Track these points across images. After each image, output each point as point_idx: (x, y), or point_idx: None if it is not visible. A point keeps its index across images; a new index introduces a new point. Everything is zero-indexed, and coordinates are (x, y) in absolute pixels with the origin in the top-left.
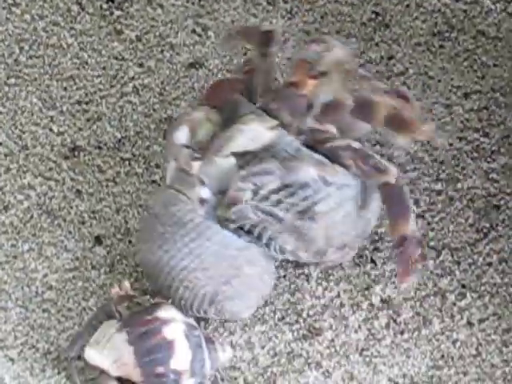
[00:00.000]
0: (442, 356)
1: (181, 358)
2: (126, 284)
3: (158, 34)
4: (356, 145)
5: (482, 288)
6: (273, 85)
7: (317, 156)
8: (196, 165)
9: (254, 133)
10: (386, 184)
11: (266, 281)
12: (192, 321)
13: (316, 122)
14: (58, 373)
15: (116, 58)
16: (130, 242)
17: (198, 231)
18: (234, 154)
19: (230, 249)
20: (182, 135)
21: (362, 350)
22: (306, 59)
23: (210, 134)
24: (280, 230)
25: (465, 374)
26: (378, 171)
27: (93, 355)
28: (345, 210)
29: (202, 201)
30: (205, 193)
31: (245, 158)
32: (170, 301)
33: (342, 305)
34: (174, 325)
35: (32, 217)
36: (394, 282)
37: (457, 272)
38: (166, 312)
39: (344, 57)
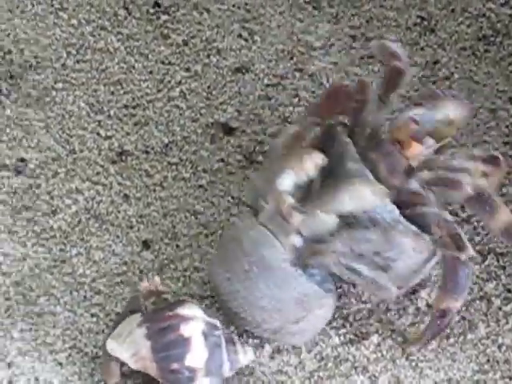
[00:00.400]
0: (488, 360)
1: (196, 356)
2: (156, 279)
3: (204, 38)
4: (448, 217)
5: None
6: (375, 133)
7: (413, 228)
8: (299, 217)
9: (361, 196)
10: (456, 258)
11: (327, 318)
12: (215, 321)
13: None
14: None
15: (163, 63)
16: (177, 246)
17: (285, 279)
18: (337, 214)
19: (310, 297)
20: (287, 182)
21: (408, 354)
22: (415, 120)
23: (313, 176)
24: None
25: (510, 378)
26: (458, 248)
27: (114, 347)
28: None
29: (294, 248)
30: (298, 242)
31: (346, 219)
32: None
33: (388, 309)
34: (192, 323)
35: (80, 221)
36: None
37: (502, 277)
38: (188, 310)
39: (457, 119)
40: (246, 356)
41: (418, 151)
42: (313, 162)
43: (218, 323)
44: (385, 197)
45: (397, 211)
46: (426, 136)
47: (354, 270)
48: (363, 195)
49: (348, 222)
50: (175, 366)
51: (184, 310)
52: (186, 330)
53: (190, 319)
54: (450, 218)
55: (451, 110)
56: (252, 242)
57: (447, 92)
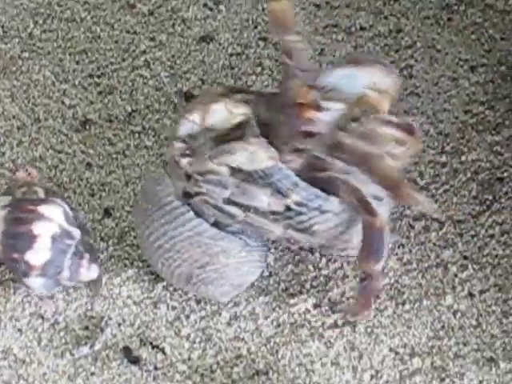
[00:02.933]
0: (443, 326)
1: (36, 255)
2: (34, 172)
3: (169, 8)
4: (354, 183)
5: (484, 260)
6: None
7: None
8: (184, 161)
9: (255, 156)
10: (370, 224)
11: (246, 271)
12: (75, 231)
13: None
14: (65, 343)
15: (128, 32)
16: None
17: (173, 215)
18: (229, 167)
19: (203, 237)
20: (184, 129)
21: (364, 320)
22: (311, 84)
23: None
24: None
25: (465, 344)
26: (367, 212)
27: None
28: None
29: (186, 194)
30: (189, 187)
31: (238, 174)
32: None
33: (345, 276)
34: (46, 223)
35: None
36: (396, 254)
37: (459, 244)
38: (49, 211)
39: (388, 89)
40: (88, 272)
41: (313, 117)
42: (220, 108)
43: (77, 234)
44: (275, 160)
45: (294, 176)
46: (331, 101)
47: (229, 213)
48: (258, 156)
49: (240, 177)
50: (16, 255)
51: (45, 209)
52: (36, 227)
53: (45, 219)
54: (355, 184)
55: (378, 77)
56: (151, 182)
57: (376, 59)
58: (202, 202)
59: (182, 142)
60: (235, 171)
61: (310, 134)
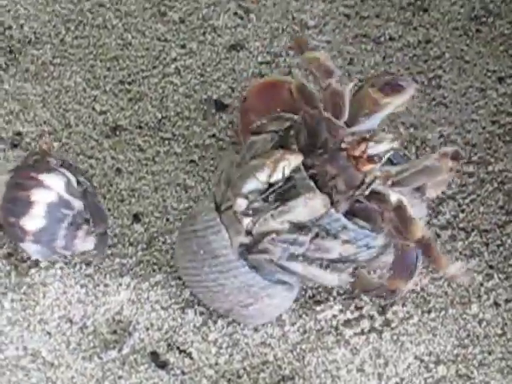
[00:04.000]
0: (468, 335)
1: (31, 221)
2: (54, 144)
3: (200, 16)
4: (389, 213)
5: (510, 269)
6: (325, 142)
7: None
8: (246, 220)
9: (313, 209)
10: (405, 245)
11: (284, 307)
12: (75, 201)
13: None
14: (93, 347)
15: (159, 40)
16: (167, 219)
17: (227, 267)
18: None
19: (253, 287)
20: (250, 186)
21: (391, 328)
22: (369, 138)
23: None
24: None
25: (490, 352)
26: (405, 239)
27: None
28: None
29: (242, 245)
30: (246, 240)
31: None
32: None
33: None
34: (44, 191)
35: None
36: (422, 263)
37: (485, 253)
38: (50, 179)
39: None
40: (83, 243)
41: (371, 168)
42: (288, 164)
43: (77, 205)
44: (328, 208)
45: (343, 219)
46: (383, 144)
47: (290, 270)
48: (315, 208)
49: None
50: (12, 220)
51: (45, 178)
52: (34, 194)
53: (44, 187)
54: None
55: (396, 104)
56: (204, 226)
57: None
58: (265, 261)
59: (244, 199)
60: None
61: (367, 183)
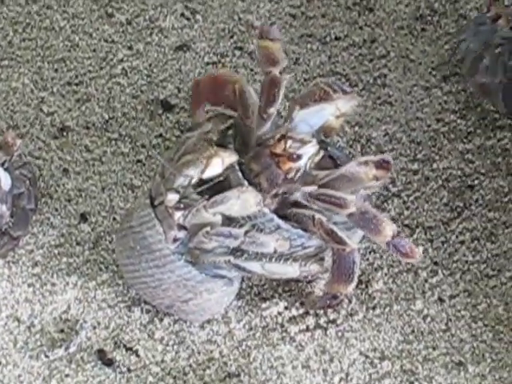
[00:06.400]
0: (413, 331)
1: None
2: (17, 142)
3: (147, 17)
4: (322, 219)
5: (454, 265)
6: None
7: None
8: (178, 214)
9: (246, 203)
10: (341, 250)
11: (225, 301)
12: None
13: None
14: (40, 345)
15: (106, 41)
16: (114, 219)
17: (163, 262)
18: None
19: (191, 281)
20: (180, 181)
21: (336, 324)
22: (288, 136)
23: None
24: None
25: (434, 348)
26: (337, 242)
27: None
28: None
29: (176, 240)
30: (180, 234)
31: (225, 221)
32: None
33: (316, 280)
34: None
35: None
36: (367, 260)
37: (430, 250)
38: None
39: (347, 112)
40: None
41: (292, 167)
42: (221, 161)
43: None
44: (261, 205)
45: (276, 219)
46: (306, 145)
47: (245, 269)
48: (248, 203)
49: (228, 223)
50: None
51: None
52: None
53: None
54: (324, 219)
55: (341, 105)
56: (139, 222)
57: (337, 86)
58: (202, 256)
59: (175, 193)
60: (224, 219)
61: (289, 182)
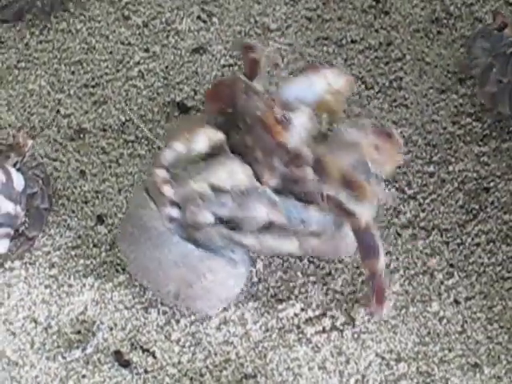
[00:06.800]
0: (429, 333)
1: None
2: (28, 142)
3: (163, 20)
4: (329, 192)
5: (470, 267)
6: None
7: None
8: (167, 189)
9: (233, 173)
10: (356, 226)
11: (232, 285)
12: (6, 204)
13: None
14: (57, 347)
15: (123, 43)
16: None
17: (160, 239)
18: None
19: (189, 258)
20: (167, 156)
21: (352, 326)
22: (275, 100)
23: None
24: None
25: (450, 350)
26: (347, 214)
27: None
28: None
29: (171, 219)
30: (174, 212)
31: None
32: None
33: (332, 281)
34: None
35: None
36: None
37: (445, 252)
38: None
39: (341, 88)
40: None
41: (283, 132)
42: (201, 136)
43: (5, 206)
44: (251, 178)
45: (270, 194)
46: (299, 112)
47: (241, 243)
48: (235, 173)
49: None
50: None
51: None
52: None
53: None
54: (331, 192)
55: (332, 79)
56: (135, 207)
57: (324, 64)
58: (212, 233)
59: (164, 170)
60: (217, 193)
61: (283, 149)
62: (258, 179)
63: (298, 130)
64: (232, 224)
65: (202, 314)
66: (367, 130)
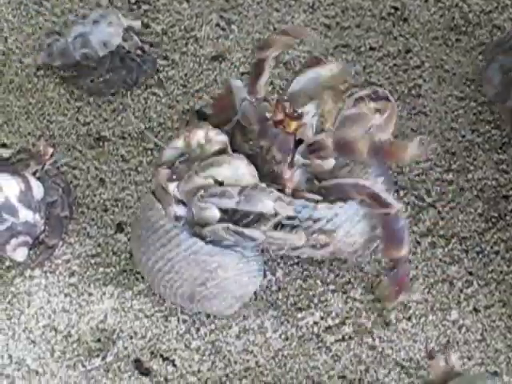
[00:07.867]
0: (448, 341)
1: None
2: (48, 150)
3: (182, 27)
4: (364, 182)
5: (489, 276)
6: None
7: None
8: (172, 186)
9: (238, 171)
10: (387, 214)
11: (246, 282)
12: (24, 211)
13: (309, 158)
14: (77, 355)
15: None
16: None
17: (167, 237)
18: (215, 181)
19: (199, 254)
20: (169, 154)
21: (371, 334)
22: (282, 99)
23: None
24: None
25: (469, 358)
26: (382, 205)
27: None
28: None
29: (178, 217)
30: (180, 210)
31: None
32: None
33: (353, 291)
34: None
35: None
36: None
37: (465, 260)
38: (5, 181)
39: (338, 74)
40: (13, 253)
41: (298, 125)
42: (201, 133)
43: (24, 214)
44: (256, 178)
45: (275, 191)
46: (307, 105)
47: (250, 237)
48: (241, 171)
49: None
50: None
51: (1, 178)
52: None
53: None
54: (363, 182)
55: (334, 67)
56: (142, 208)
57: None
58: (219, 229)
59: (167, 168)
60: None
61: (300, 142)
62: (277, 181)
63: (311, 122)
64: (238, 218)
65: (220, 314)
66: (366, 99)
